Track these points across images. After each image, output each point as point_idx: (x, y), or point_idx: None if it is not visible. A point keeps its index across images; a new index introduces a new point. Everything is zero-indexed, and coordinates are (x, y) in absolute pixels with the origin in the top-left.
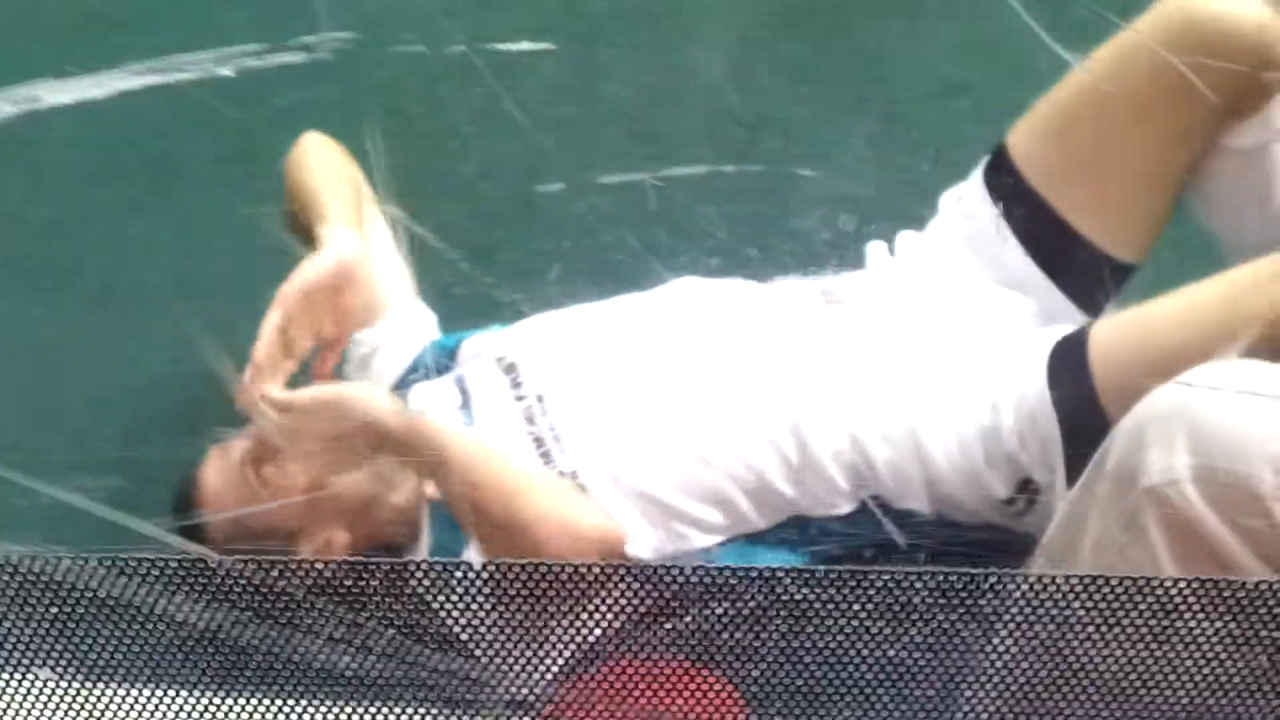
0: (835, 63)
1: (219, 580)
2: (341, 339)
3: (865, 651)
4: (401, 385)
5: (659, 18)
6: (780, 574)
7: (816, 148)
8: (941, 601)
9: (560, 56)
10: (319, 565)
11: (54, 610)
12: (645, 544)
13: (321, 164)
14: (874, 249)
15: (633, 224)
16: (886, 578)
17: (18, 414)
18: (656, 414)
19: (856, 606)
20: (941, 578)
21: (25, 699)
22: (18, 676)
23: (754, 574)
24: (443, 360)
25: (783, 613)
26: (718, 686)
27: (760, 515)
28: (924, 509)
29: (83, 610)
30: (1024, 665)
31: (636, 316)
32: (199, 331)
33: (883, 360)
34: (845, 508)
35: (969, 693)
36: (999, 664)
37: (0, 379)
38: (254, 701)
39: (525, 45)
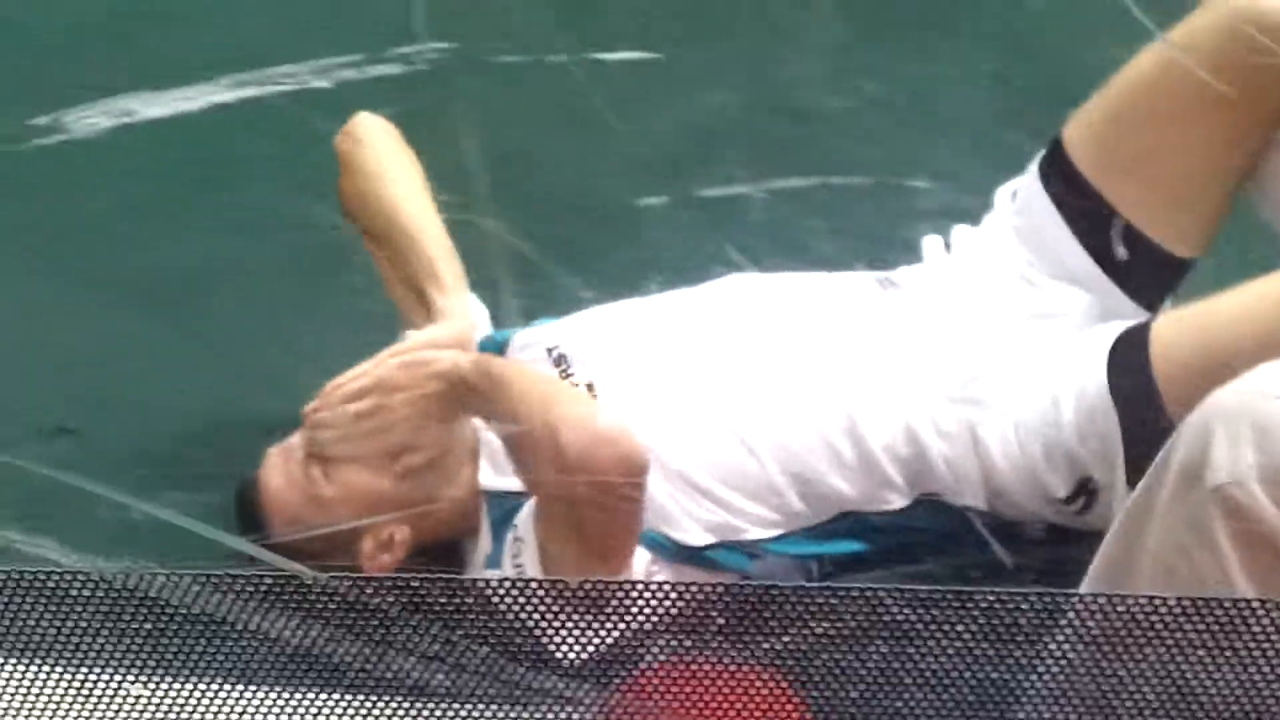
0: (937, 71)
1: (315, 596)
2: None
3: (968, 673)
4: None
5: (761, 27)
6: (882, 594)
7: (923, 158)
8: (1049, 622)
9: (664, 65)
10: (413, 582)
11: (147, 625)
12: (697, 535)
13: (398, 169)
14: (930, 243)
15: (735, 237)
16: (991, 598)
17: (103, 422)
18: (707, 406)
19: (960, 628)
20: (1049, 599)
21: (117, 713)
22: (110, 690)
23: (854, 593)
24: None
25: (884, 633)
26: (776, 689)
27: (810, 509)
28: (981, 506)
29: (177, 625)
30: (1123, 684)
31: (687, 308)
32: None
33: (939, 355)
34: (898, 503)
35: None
36: (1097, 682)
37: (90, 393)
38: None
39: (627, 54)
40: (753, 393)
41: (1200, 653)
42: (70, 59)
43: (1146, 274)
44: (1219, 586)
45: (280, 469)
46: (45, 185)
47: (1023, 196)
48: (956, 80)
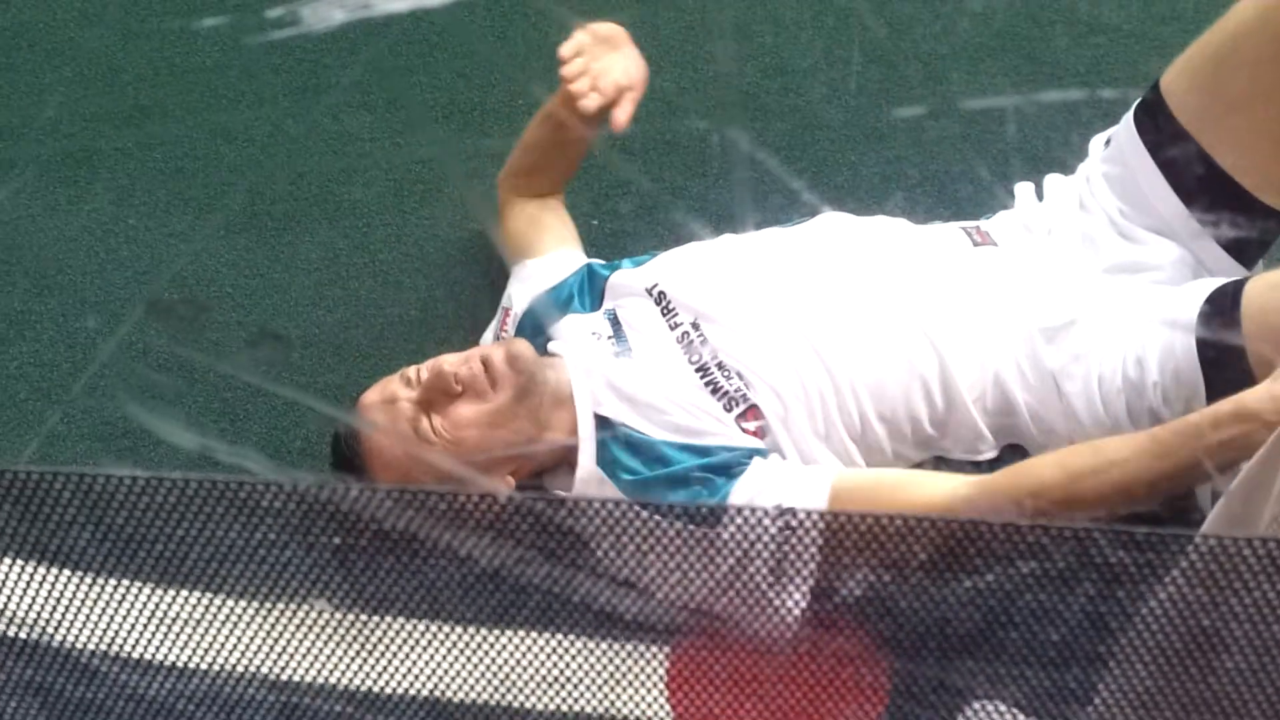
0: None
1: (507, 516)
2: (635, 87)
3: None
4: (547, 306)
5: None
6: (1095, 534)
7: None
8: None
9: None
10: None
11: (336, 540)
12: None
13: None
14: (1022, 190)
15: (989, 152)
16: (1212, 543)
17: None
18: (803, 349)
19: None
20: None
21: (299, 629)
22: (294, 606)
23: (1067, 533)
24: (596, 283)
25: (1093, 575)
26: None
27: (900, 455)
28: None
29: (365, 542)
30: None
31: (786, 249)
32: None
33: (1028, 307)
34: (989, 453)
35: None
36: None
37: (289, 303)
38: (530, 637)
39: None
40: (848, 336)
41: None
42: None
43: (1241, 225)
44: None
45: (385, 420)
46: (273, 80)
47: (1116, 144)
48: None
